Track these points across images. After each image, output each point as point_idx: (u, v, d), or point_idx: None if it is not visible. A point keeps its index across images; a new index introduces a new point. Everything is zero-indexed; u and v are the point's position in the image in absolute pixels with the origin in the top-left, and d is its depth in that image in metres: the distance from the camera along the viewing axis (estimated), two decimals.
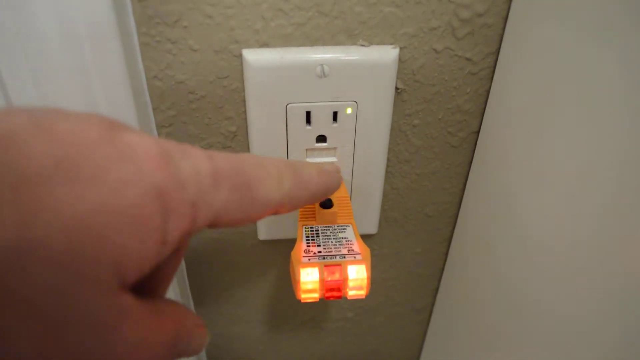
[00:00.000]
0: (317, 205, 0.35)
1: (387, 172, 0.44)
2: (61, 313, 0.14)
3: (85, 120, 0.15)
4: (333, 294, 0.30)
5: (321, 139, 0.39)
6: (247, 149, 0.40)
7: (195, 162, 0.18)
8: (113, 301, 0.15)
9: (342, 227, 0.34)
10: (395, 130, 0.41)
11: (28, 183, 0.13)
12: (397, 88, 0.38)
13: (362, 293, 0.30)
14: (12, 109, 0.15)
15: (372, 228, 0.47)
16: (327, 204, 0.35)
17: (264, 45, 0.35)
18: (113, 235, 0.14)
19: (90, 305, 0.14)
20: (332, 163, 0.32)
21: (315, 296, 0.30)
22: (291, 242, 0.48)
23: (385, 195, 0.46)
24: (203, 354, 0.60)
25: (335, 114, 0.37)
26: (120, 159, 0.15)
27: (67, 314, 0.14)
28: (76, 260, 0.14)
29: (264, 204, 0.21)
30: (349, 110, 0.37)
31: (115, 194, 0.14)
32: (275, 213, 0.23)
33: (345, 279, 0.29)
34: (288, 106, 0.36)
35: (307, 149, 0.39)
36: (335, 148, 0.39)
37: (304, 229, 0.34)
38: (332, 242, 0.32)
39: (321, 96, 0.36)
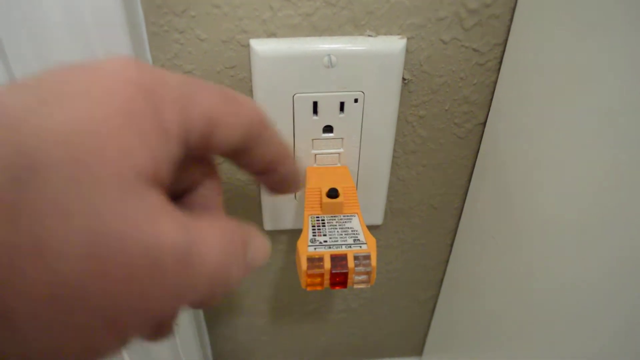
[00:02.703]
0: (323, 195, 0.35)
1: (393, 163, 0.44)
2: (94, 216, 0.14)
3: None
4: (339, 284, 0.30)
5: (328, 129, 0.39)
6: None
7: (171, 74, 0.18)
8: (141, 196, 0.15)
9: (348, 217, 0.34)
10: (402, 121, 0.41)
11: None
12: (404, 79, 0.38)
13: (367, 283, 0.30)
14: None
15: (377, 219, 0.47)
16: (333, 194, 0.35)
17: (272, 35, 0.35)
18: (116, 136, 0.15)
19: (118, 202, 0.14)
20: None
21: (320, 285, 0.30)
22: (297, 233, 0.48)
23: (391, 186, 0.46)
24: (207, 343, 0.60)
25: (342, 104, 0.37)
26: (102, 73, 0.16)
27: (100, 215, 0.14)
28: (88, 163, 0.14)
29: (249, 106, 0.20)
30: (355, 101, 0.37)
31: (108, 96, 0.15)
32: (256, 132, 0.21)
33: (350, 269, 0.30)
34: (295, 96, 0.37)
35: (313, 139, 0.39)
36: (341, 138, 0.39)
37: (310, 219, 0.34)
38: (338, 231, 0.32)
39: (328, 86, 0.36)
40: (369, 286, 0.31)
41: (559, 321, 0.31)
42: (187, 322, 0.53)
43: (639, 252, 0.24)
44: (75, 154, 0.14)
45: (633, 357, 0.24)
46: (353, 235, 0.32)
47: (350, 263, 0.30)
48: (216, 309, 0.56)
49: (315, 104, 0.37)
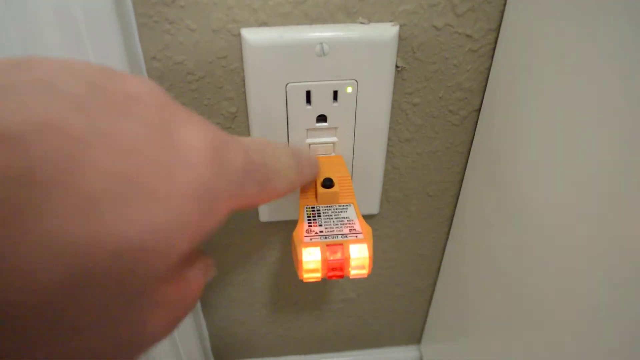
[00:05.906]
0: (318, 185, 0.34)
1: (388, 151, 0.43)
2: (112, 316, 0.14)
3: (143, 112, 0.15)
4: (335, 274, 0.30)
5: (321, 118, 0.38)
6: (247, 129, 0.40)
7: (235, 157, 0.18)
8: (151, 299, 0.15)
9: (344, 207, 0.34)
10: (396, 109, 0.41)
11: (92, 204, 0.12)
12: (397, 66, 0.38)
13: (364, 272, 0.30)
14: (50, 85, 0.13)
15: (373, 208, 0.47)
16: (328, 184, 0.34)
17: (263, 24, 0.35)
18: (160, 248, 0.14)
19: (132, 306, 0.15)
20: (304, 148, 0.37)
21: (317, 276, 0.30)
22: (292, 224, 0.48)
23: (386, 175, 0.45)
24: (206, 336, 0.60)
25: (335, 93, 0.37)
26: (173, 163, 0.15)
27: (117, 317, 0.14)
28: (126, 278, 0.14)
29: (276, 193, 0.24)
30: (349, 89, 0.37)
31: (167, 207, 0.14)
32: (277, 197, 0.25)
33: (347, 258, 0.29)
34: (288, 86, 0.36)
35: (307, 129, 0.39)
36: (335, 128, 0.39)
37: (305, 210, 0.33)
38: (333, 221, 0.32)
39: (321, 75, 0.36)
40: (365, 276, 0.30)
41: (556, 308, 0.31)
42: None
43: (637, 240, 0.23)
44: (123, 268, 0.13)
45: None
46: (349, 225, 0.32)
47: (347, 253, 0.30)
48: (214, 302, 0.56)
49: (308, 93, 0.37)
